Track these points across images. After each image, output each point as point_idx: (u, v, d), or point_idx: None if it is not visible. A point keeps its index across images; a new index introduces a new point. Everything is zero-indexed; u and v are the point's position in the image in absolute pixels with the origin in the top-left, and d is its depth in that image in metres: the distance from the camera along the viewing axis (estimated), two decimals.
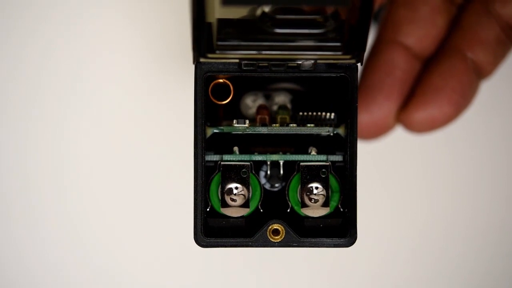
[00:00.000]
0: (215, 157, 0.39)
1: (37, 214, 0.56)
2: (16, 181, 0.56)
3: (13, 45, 0.56)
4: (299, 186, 0.39)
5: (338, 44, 0.36)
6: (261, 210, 0.39)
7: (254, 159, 0.39)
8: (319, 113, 0.40)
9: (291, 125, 0.40)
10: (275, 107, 0.42)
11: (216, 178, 0.39)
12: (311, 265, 0.57)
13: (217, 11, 0.35)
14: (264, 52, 0.37)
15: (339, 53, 0.37)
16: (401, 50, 0.46)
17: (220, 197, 0.38)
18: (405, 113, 0.46)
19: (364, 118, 0.46)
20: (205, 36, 0.36)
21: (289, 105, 0.42)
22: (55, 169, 0.56)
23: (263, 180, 0.41)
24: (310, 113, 0.41)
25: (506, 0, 0.45)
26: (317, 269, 0.57)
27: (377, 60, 0.47)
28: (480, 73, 0.46)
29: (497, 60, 0.46)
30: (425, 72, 0.47)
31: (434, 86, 0.46)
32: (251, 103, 0.43)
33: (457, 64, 0.46)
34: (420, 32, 0.46)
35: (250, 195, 0.38)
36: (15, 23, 0.56)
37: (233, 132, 0.40)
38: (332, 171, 0.39)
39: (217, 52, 0.37)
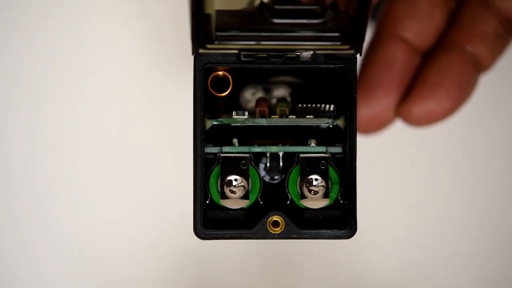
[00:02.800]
0: (215, 149, 0.39)
1: (37, 214, 0.56)
2: (16, 180, 0.56)
3: (13, 49, 0.56)
4: (299, 178, 0.39)
5: (337, 34, 0.36)
6: (261, 202, 0.39)
7: (253, 151, 0.39)
8: (318, 105, 0.40)
9: (291, 116, 0.40)
10: (274, 100, 0.42)
11: (216, 170, 0.39)
12: (310, 256, 0.57)
13: (216, 2, 0.35)
14: (263, 42, 0.37)
15: (338, 43, 0.37)
16: (400, 44, 0.46)
17: (219, 189, 0.38)
18: (404, 107, 0.46)
19: (364, 112, 0.46)
20: (204, 27, 0.36)
21: (288, 98, 0.42)
22: (55, 166, 0.56)
23: (262, 172, 0.41)
24: (309, 105, 0.41)
25: None
26: (316, 260, 0.57)
27: (376, 54, 0.47)
28: (479, 67, 0.46)
29: (495, 53, 0.46)
30: (424, 66, 0.47)
31: (433, 80, 0.46)
32: (251, 96, 0.43)
33: (456, 58, 0.46)
34: (418, 26, 0.46)
35: (249, 187, 0.38)
36: (16, 26, 0.56)
37: (233, 124, 0.40)
38: (331, 163, 0.39)
39: (216, 42, 0.37)
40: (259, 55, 0.38)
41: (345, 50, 0.37)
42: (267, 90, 0.43)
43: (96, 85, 0.56)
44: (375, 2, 0.46)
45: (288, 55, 0.38)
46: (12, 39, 0.56)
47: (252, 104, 0.43)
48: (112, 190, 0.56)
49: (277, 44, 0.37)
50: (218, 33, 0.36)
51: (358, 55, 0.38)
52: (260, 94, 0.43)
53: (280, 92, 0.43)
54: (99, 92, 0.56)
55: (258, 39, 0.37)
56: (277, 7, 0.36)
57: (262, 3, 0.36)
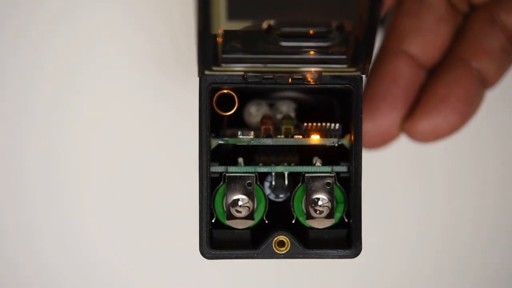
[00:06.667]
0: (220, 169, 0.39)
1: (37, 224, 0.56)
2: (20, 185, 0.57)
3: (22, 55, 0.56)
4: (304, 197, 0.39)
5: (344, 57, 0.36)
6: (266, 222, 0.39)
7: (259, 170, 0.39)
8: (323, 124, 0.40)
9: (296, 136, 0.40)
10: (279, 116, 0.42)
11: (221, 190, 0.39)
12: (316, 276, 0.57)
13: (222, 24, 0.35)
14: (269, 65, 0.37)
15: (344, 65, 0.37)
16: (406, 59, 0.46)
17: (225, 209, 0.38)
18: (409, 122, 0.46)
19: (368, 127, 0.46)
20: (210, 49, 0.36)
21: (292, 114, 0.42)
22: (60, 187, 0.56)
23: (268, 191, 0.41)
24: (314, 124, 0.40)
25: (511, 9, 0.45)
26: (322, 280, 0.57)
27: (381, 69, 0.47)
28: (485, 82, 0.46)
29: (502, 69, 0.46)
30: (430, 81, 0.46)
31: (439, 95, 0.46)
32: (255, 111, 0.43)
33: (462, 73, 0.46)
34: (424, 41, 0.46)
35: (255, 207, 0.38)
36: (25, 34, 0.56)
37: (238, 144, 0.40)
38: (337, 182, 0.39)
39: (223, 65, 0.37)
40: (265, 76, 0.38)
41: (351, 72, 0.37)
42: (272, 105, 0.43)
43: (104, 103, 0.56)
44: (381, 15, 0.46)
45: (294, 76, 0.38)
46: (18, 45, 0.56)
47: (256, 119, 0.43)
48: (115, 210, 0.56)
49: (283, 66, 0.37)
50: (224, 56, 0.36)
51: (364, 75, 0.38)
52: (264, 109, 0.43)
53: (285, 108, 0.43)
54: (106, 110, 0.56)
55: (264, 61, 0.36)
56: (284, 29, 0.36)
57: (269, 25, 0.36)
